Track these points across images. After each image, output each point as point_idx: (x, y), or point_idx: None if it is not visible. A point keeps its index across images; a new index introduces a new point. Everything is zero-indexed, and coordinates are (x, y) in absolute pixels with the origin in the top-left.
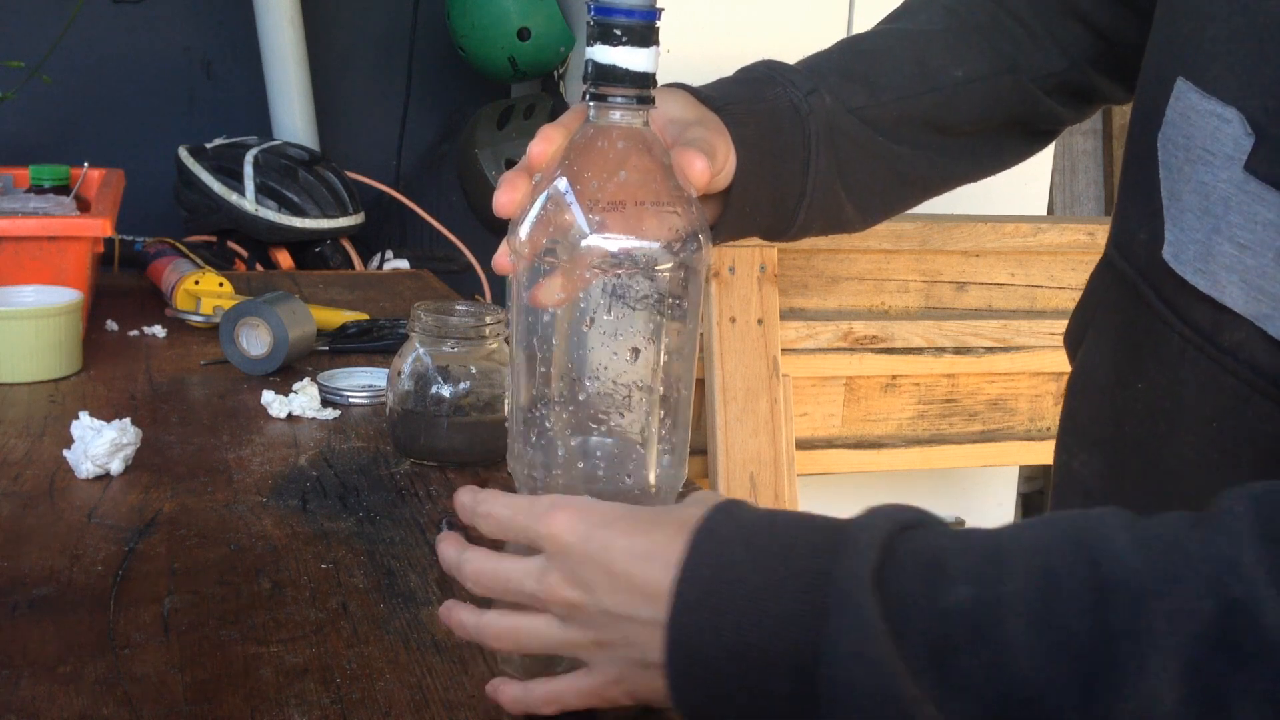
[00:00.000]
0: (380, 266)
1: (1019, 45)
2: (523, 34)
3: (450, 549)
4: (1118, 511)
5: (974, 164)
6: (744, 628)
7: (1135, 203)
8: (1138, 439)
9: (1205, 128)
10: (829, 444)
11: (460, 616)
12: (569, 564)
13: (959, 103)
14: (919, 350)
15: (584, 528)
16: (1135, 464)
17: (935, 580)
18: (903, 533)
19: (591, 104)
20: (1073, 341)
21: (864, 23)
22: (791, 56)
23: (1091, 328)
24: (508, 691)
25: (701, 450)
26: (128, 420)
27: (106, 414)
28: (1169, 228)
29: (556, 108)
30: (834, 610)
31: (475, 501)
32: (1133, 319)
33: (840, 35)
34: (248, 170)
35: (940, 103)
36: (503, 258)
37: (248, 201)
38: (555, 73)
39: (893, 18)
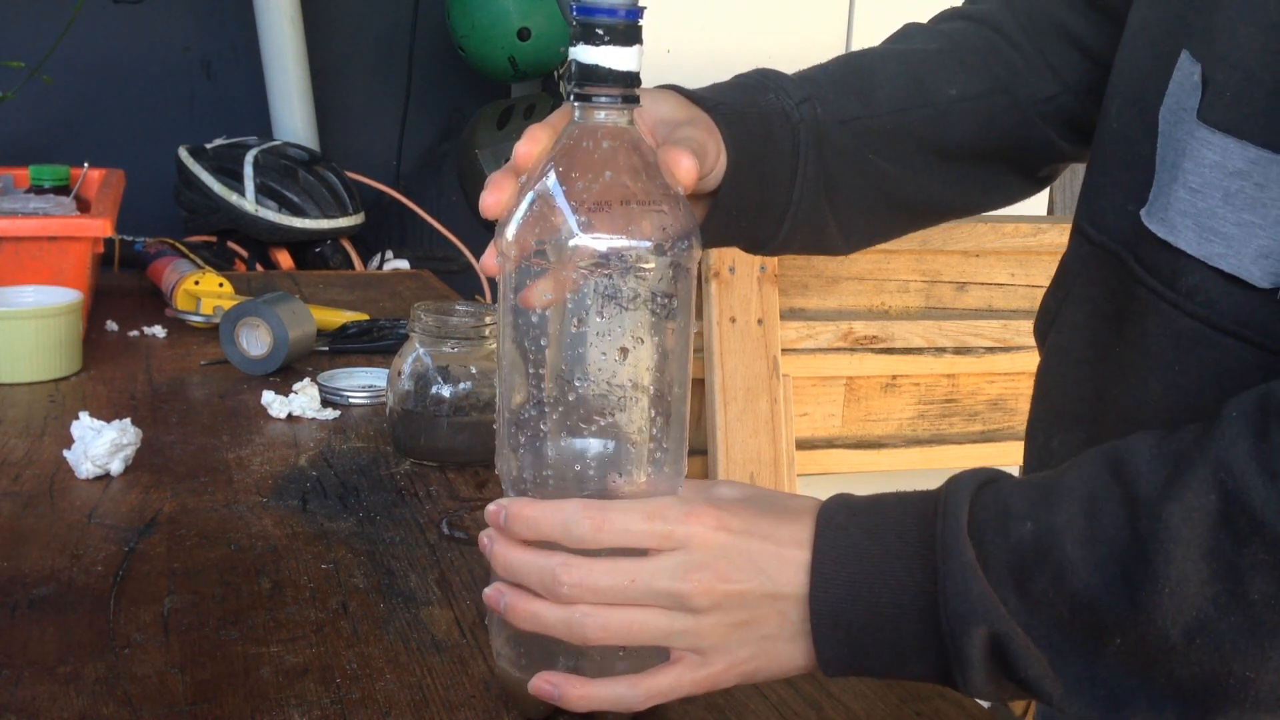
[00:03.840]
0: (380, 266)
1: (1013, 69)
2: (523, 34)
3: (532, 556)
4: (1145, 434)
5: (962, 194)
6: (876, 589)
7: (1120, 176)
8: (1118, 402)
9: (1187, 88)
10: (829, 444)
11: (533, 607)
12: (726, 556)
13: (952, 121)
14: (919, 350)
15: (733, 522)
16: (1116, 427)
17: (1005, 521)
18: (980, 489)
19: (576, 104)
20: (1043, 327)
21: (864, 22)
22: (791, 56)
23: (1066, 305)
24: (579, 690)
25: (701, 450)
26: (128, 420)
27: (106, 414)
28: (1153, 189)
29: (556, 108)
30: (941, 560)
31: (598, 522)
32: (1111, 286)
33: (840, 35)
34: (248, 170)
35: (934, 119)
36: (491, 259)
37: (248, 202)
38: (555, 73)
39: (888, 41)
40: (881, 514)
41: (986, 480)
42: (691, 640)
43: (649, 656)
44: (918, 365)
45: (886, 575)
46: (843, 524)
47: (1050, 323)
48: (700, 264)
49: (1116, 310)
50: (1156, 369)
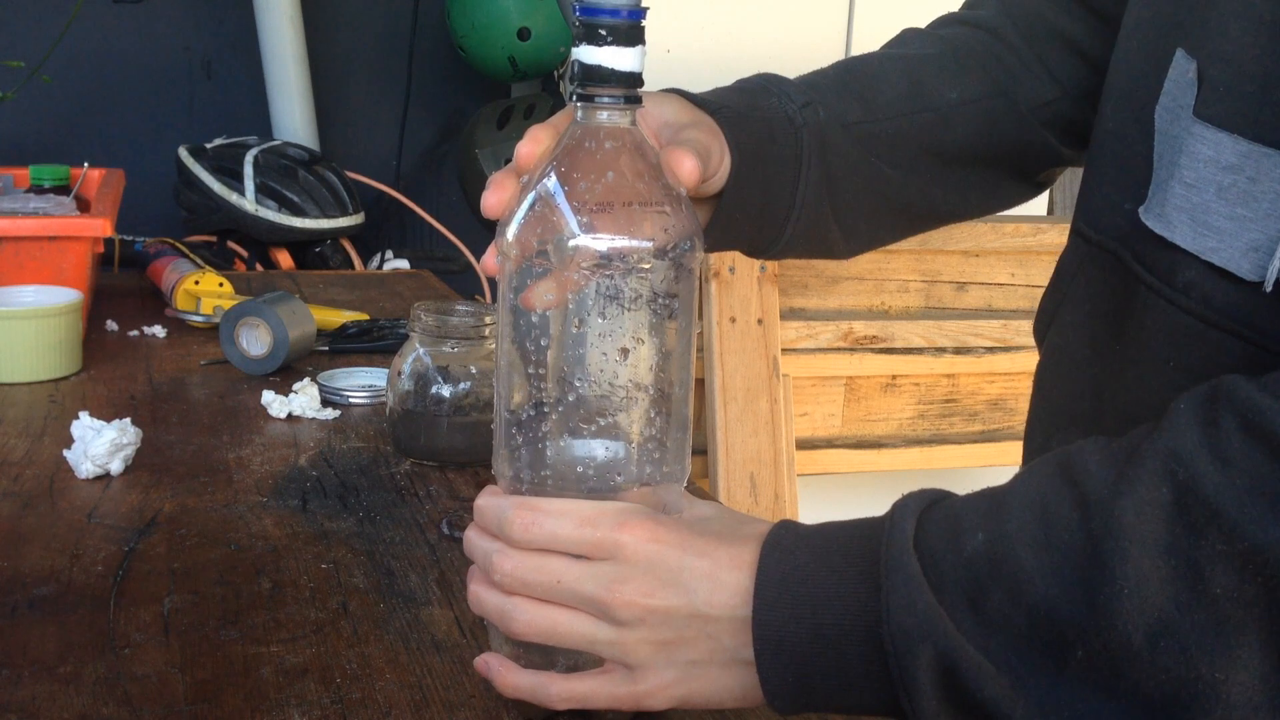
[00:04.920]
0: (380, 266)
1: (1011, 73)
2: (523, 34)
3: (481, 540)
4: (1095, 438)
5: (963, 199)
6: (819, 611)
7: (1116, 176)
8: (1116, 401)
9: (1182, 85)
10: (829, 444)
11: (478, 591)
12: (653, 570)
13: (953, 125)
14: (919, 350)
15: (668, 536)
16: (1114, 426)
17: (955, 535)
18: (929, 507)
19: (579, 104)
20: (1041, 327)
21: (864, 23)
22: (791, 57)
23: (1064, 305)
24: (512, 679)
25: (701, 450)
26: (128, 420)
27: (106, 414)
28: (1151, 187)
29: (556, 108)
30: (885, 575)
31: (527, 522)
32: (1110, 285)
33: (840, 35)
34: (248, 170)
35: (935, 123)
36: (491, 259)
37: (248, 201)
38: (555, 73)
39: (887, 46)
40: (828, 537)
41: (936, 499)
42: (616, 652)
43: None
44: (918, 365)
45: (830, 595)
46: (789, 547)
47: (1049, 323)
48: (700, 264)
49: (1115, 309)
50: (1154, 365)
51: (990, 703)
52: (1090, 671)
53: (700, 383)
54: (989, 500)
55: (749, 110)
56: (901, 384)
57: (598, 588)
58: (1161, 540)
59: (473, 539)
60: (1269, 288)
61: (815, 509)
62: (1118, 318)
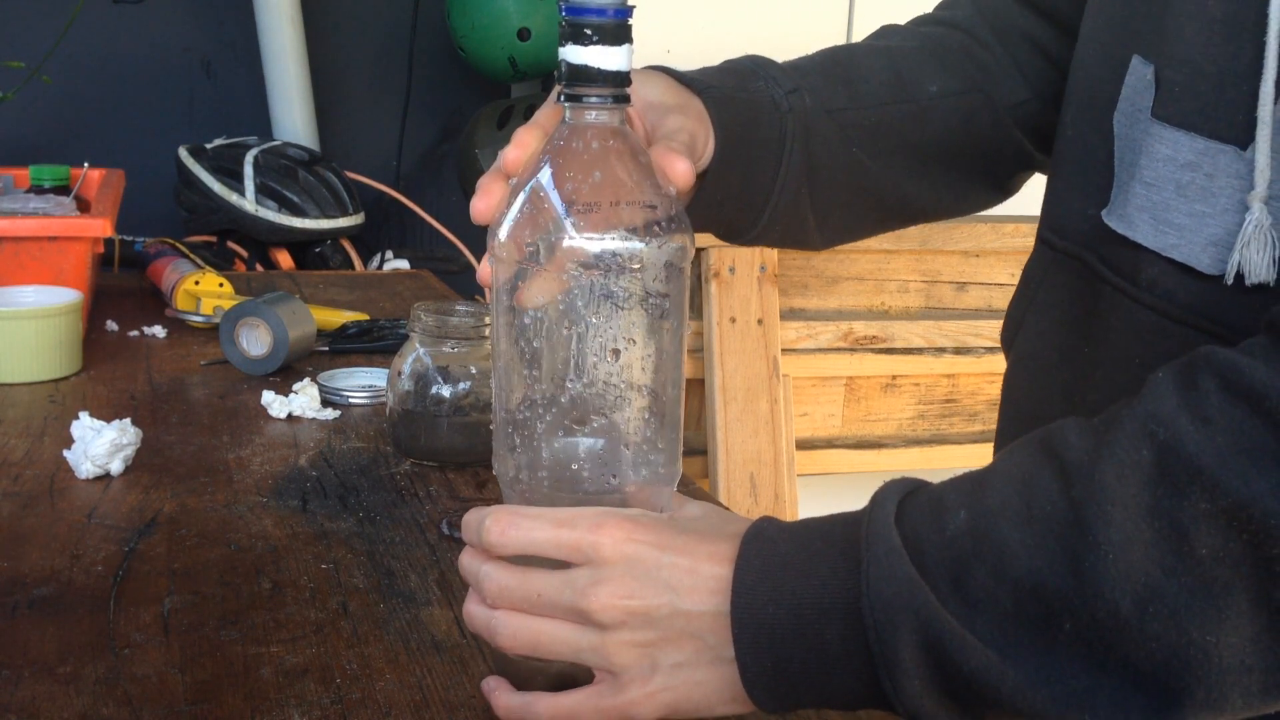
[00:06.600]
0: (380, 266)
1: (987, 71)
2: (523, 34)
3: (471, 561)
4: (1073, 418)
5: (934, 198)
6: (799, 591)
7: (1079, 182)
8: (1085, 403)
9: (1139, 89)
10: (829, 444)
11: (470, 607)
12: (631, 570)
13: (931, 118)
14: (919, 350)
15: (645, 535)
16: None
17: (938, 514)
18: (913, 492)
19: (566, 104)
20: (1009, 335)
21: (864, 23)
22: (790, 56)
23: (1030, 312)
24: (504, 700)
25: (701, 450)
26: (128, 420)
27: (106, 414)
28: (1114, 190)
29: None
30: (866, 549)
31: (503, 526)
32: (1076, 290)
33: (840, 36)
34: (248, 170)
35: (915, 115)
36: (486, 269)
37: (248, 202)
38: (555, 73)
39: (869, 39)
40: (809, 527)
41: (919, 485)
42: (600, 659)
43: None
44: (918, 365)
45: (810, 576)
46: (770, 536)
47: (1015, 331)
48: (700, 264)
49: (1081, 313)
50: (1121, 365)
51: (977, 675)
52: (1080, 644)
53: (700, 383)
54: (970, 480)
55: (736, 92)
56: (901, 384)
57: (574, 594)
58: (1144, 503)
59: (462, 561)
60: (1229, 281)
61: (815, 509)
62: (1084, 321)
